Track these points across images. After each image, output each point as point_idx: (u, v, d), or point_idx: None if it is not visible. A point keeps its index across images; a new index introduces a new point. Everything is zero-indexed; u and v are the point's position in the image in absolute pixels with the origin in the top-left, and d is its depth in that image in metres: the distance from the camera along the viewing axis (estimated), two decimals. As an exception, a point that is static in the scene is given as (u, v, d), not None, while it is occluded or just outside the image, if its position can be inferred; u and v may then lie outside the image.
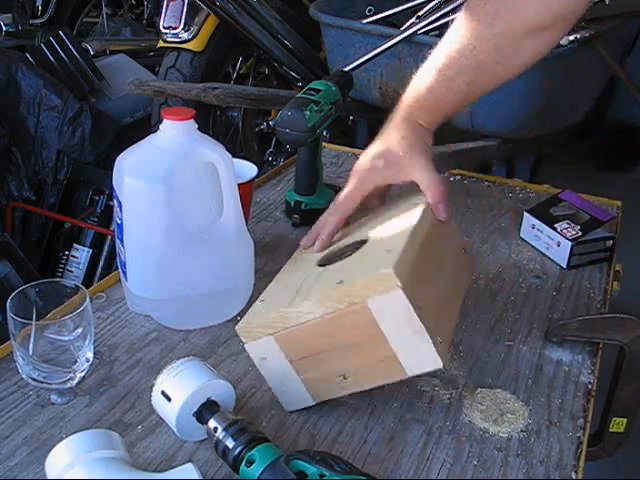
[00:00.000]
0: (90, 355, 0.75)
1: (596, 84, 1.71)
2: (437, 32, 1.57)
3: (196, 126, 0.81)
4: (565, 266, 1.01)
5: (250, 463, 0.61)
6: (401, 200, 0.84)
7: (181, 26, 1.97)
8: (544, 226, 1.04)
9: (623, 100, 2.12)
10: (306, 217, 1.07)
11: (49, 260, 2.02)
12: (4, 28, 2.26)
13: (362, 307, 0.65)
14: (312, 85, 1.06)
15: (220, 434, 0.64)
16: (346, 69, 1.45)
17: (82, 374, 0.75)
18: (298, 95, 1.04)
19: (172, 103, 1.92)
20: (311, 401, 0.72)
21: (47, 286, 0.76)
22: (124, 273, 0.85)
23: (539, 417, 0.74)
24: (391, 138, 0.82)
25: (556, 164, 2.24)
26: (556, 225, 1.03)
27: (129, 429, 0.71)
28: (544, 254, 1.04)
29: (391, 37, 1.50)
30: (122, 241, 0.83)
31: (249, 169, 1.00)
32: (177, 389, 0.67)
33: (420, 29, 1.49)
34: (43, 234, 2.01)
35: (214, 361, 0.81)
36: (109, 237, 1.94)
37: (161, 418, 0.70)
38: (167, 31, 1.98)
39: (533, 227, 1.06)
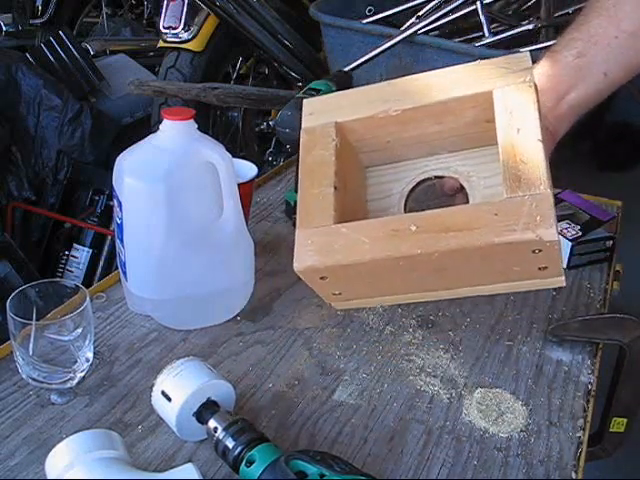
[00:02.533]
0: (90, 355, 0.75)
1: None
2: (437, 32, 1.57)
3: (196, 126, 0.81)
4: (565, 266, 1.01)
5: (250, 463, 0.61)
6: None
7: (181, 26, 1.97)
8: (544, 226, 1.04)
9: (622, 100, 2.12)
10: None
11: (49, 260, 2.01)
12: (4, 28, 2.26)
13: None
14: (312, 85, 1.06)
15: (220, 434, 0.64)
16: (346, 69, 1.46)
17: (82, 374, 0.74)
18: (298, 95, 1.04)
19: (172, 103, 1.92)
20: None
21: (47, 286, 0.76)
22: (124, 273, 0.85)
23: (539, 417, 0.74)
24: None
25: (556, 164, 2.24)
26: (556, 225, 1.03)
27: (129, 429, 0.71)
28: (544, 254, 1.04)
29: (391, 37, 1.50)
30: (122, 241, 0.83)
31: (249, 169, 1.00)
32: (177, 389, 0.67)
33: (420, 29, 1.49)
34: (43, 234, 2.01)
35: (214, 361, 0.81)
36: (109, 237, 1.94)
37: (161, 418, 0.70)
38: (167, 31, 1.98)
39: (533, 227, 1.06)
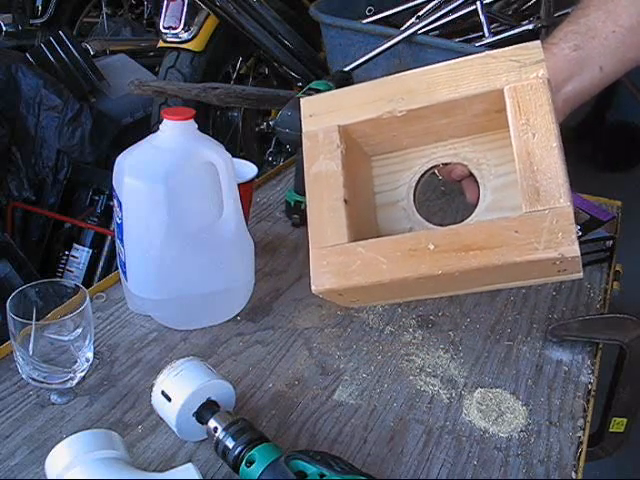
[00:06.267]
0: (90, 355, 0.75)
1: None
2: (437, 32, 1.57)
3: (196, 126, 0.81)
4: (565, 266, 1.01)
5: (250, 463, 0.61)
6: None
7: (181, 26, 1.97)
8: (544, 226, 1.04)
9: (623, 100, 2.12)
10: (306, 217, 1.07)
11: (49, 260, 2.02)
12: (4, 28, 2.26)
13: None
14: (312, 85, 1.06)
15: (220, 434, 0.64)
16: (346, 69, 1.46)
17: (82, 374, 0.74)
18: (298, 95, 1.04)
19: (172, 103, 1.92)
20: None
21: (47, 286, 0.76)
22: (124, 273, 0.85)
23: (539, 417, 0.74)
24: None
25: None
26: (556, 225, 1.03)
27: (129, 429, 0.71)
28: (544, 254, 1.04)
29: (391, 37, 1.50)
30: (122, 241, 0.83)
31: (249, 169, 1.00)
32: (177, 389, 0.67)
33: (420, 29, 1.49)
34: (43, 234, 2.01)
35: (214, 361, 0.81)
36: (109, 237, 1.94)
37: (161, 418, 0.70)
38: (167, 31, 1.98)
39: (533, 227, 1.06)
